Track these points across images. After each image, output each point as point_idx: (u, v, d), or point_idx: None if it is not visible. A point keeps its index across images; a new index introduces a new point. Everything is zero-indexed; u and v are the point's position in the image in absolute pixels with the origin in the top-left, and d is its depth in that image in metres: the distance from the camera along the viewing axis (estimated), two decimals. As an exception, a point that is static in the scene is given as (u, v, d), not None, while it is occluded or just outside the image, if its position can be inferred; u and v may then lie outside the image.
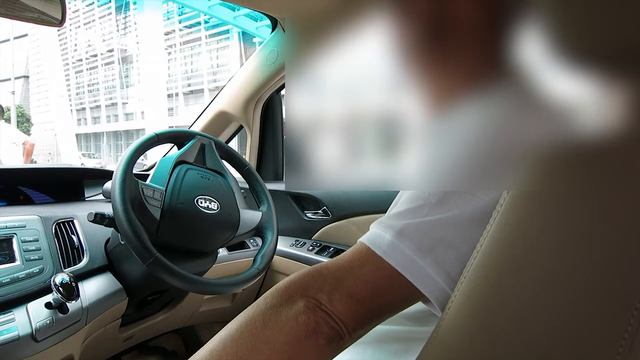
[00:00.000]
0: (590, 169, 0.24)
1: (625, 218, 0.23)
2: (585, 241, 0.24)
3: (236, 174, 0.89)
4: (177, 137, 0.82)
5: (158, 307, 0.97)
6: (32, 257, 0.70)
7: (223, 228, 0.79)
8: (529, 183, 0.27)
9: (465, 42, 0.31)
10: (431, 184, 0.33)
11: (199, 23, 21.65)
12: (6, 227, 0.71)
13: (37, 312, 0.64)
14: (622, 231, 0.23)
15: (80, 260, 0.77)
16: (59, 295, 0.63)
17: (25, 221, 0.75)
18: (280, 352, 0.32)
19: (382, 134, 0.31)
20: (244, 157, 0.95)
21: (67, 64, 26.96)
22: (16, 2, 0.68)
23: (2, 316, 0.62)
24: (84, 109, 26.60)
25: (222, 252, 1.02)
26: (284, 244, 1.14)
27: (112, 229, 0.75)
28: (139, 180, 0.70)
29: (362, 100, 0.32)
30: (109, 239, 0.83)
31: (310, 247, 1.10)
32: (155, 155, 0.94)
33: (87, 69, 26.55)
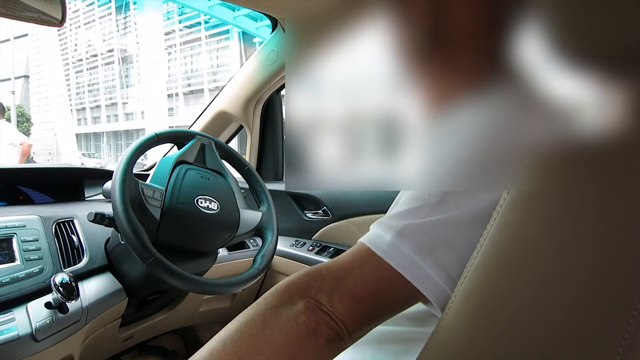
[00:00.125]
0: (590, 169, 0.24)
1: (625, 218, 0.23)
2: (585, 241, 0.24)
3: (236, 174, 0.89)
4: (177, 137, 0.82)
5: (158, 307, 0.97)
6: (32, 257, 0.70)
7: (223, 228, 0.79)
8: (529, 183, 0.27)
9: (464, 43, 0.31)
10: (431, 184, 0.33)
11: (199, 23, 21.66)
12: (6, 227, 0.71)
13: (37, 311, 0.64)
14: (622, 231, 0.23)
15: (80, 260, 0.77)
16: (59, 295, 0.63)
17: (25, 221, 0.75)
18: (280, 352, 0.32)
19: (382, 134, 0.31)
20: (244, 157, 0.95)
21: (67, 63, 26.97)
22: (16, 2, 0.68)
23: (2, 316, 0.62)
24: (84, 108, 26.61)
25: (222, 252, 1.02)
26: (284, 244, 1.14)
27: (112, 229, 0.75)
28: (139, 180, 0.70)
29: (362, 100, 0.32)
30: (109, 239, 0.83)
31: (310, 247, 1.10)
32: (155, 155, 0.94)
33: (87, 69, 26.55)
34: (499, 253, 0.28)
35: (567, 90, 0.25)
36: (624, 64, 0.23)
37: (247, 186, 0.90)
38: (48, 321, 0.63)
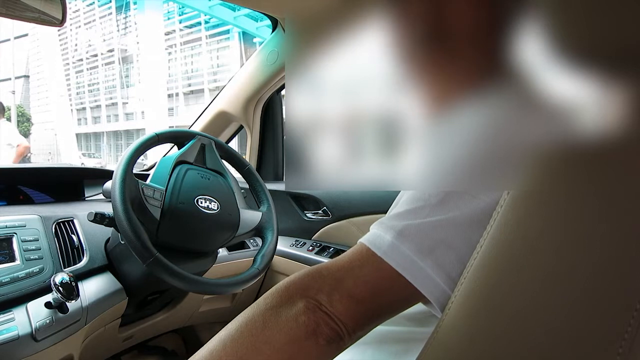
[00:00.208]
0: (590, 169, 0.24)
1: (625, 218, 0.23)
2: (585, 241, 0.24)
3: (236, 174, 0.89)
4: (177, 137, 0.82)
5: (158, 307, 0.97)
6: (32, 257, 0.70)
7: (223, 228, 0.79)
8: (529, 183, 0.27)
9: (463, 43, 0.31)
10: (431, 184, 0.33)
11: (199, 23, 21.66)
12: (6, 227, 0.71)
13: (36, 311, 0.64)
14: (622, 231, 0.23)
15: (80, 260, 0.77)
16: (59, 295, 0.63)
17: (25, 221, 0.75)
18: (280, 352, 0.32)
19: (382, 134, 0.31)
20: (244, 157, 0.95)
21: (68, 63, 26.97)
22: (17, 2, 0.68)
23: (2, 316, 0.62)
24: (84, 108, 26.61)
25: (222, 252, 1.02)
26: (284, 244, 1.14)
27: (112, 228, 0.75)
28: (139, 180, 0.70)
29: (362, 100, 0.32)
30: (109, 238, 0.83)
31: (310, 248, 1.10)
32: (156, 155, 0.94)
33: (87, 69, 26.56)
34: (499, 253, 0.28)
35: (567, 90, 0.25)
36: (624, 64, 0.23)
37: (247, 186, 0.90)
38: (48, 321, 0.63)
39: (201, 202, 0.75)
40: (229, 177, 0.85)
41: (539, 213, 0.27)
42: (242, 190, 0.85)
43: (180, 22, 22.39)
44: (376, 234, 0.36)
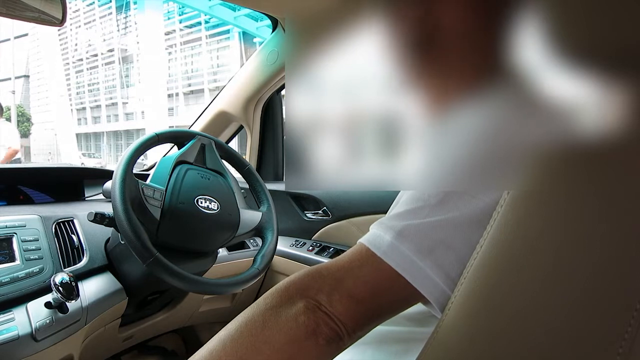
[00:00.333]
0: (590, 169, 0.24)
1: (625, 218, 0.23)
2: (585, 241, 0.24)
3: (236, 174, 0.89)
4: (177, 137, 0.82)
5: (158, 307, 0.97)
6: (32, 257, 0.70)
7: (223, 228, 0.79)
8: (529, 183, 0.27)
9: (457, 45, 0.32)
10: (431, 184, 0.33)
11: (199, 23, 21.67)
12: (6, 227, 0.71)
13: (36, 311, 0.64)
14: (622, 231, 0.23)
15: (80, 260, 0.77)
16: (59, 295, 0.63)
17: (25, 221, 0.75)
18: (280, 352, 0.32)
19: (382, 134, 0.31)
20: (244, 157, 0.95)
21: (68, 63, 26.99)
22: (17, 1, 0.68)
23: (2, 316, 0.62)
24: (84, 108, 26.63)
25: (222, 252, 1.02)
26: (284, 244, 1.14)
27: (112, 228, 0.75)
28: (139, 180, 0.70)
29: (362, 100, 0.32)
30: (109, 238, 0.83)
31: (310, 248, 1.10)
32: (156, 155, 0.94)
33: (87, 69, 26.57)
34: (499, 253, 0.28)
35: (567, 90, 0.25)
36: (624, 64, 0.23)
37: (247, 186, 0.90)
38: (48, 321, 0.63)
39: (201, 202, 0.75)
40: (229, 177, 0.85)
41: (539, 213, 0.27)
42: (242, 190, 0.85)
43: (180, 22, 22.41)
44: (376, 234, 0.36)
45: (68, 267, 0.74)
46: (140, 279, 0.79)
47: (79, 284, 0.68)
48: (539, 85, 0.26)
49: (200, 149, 0.82)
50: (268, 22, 1.12)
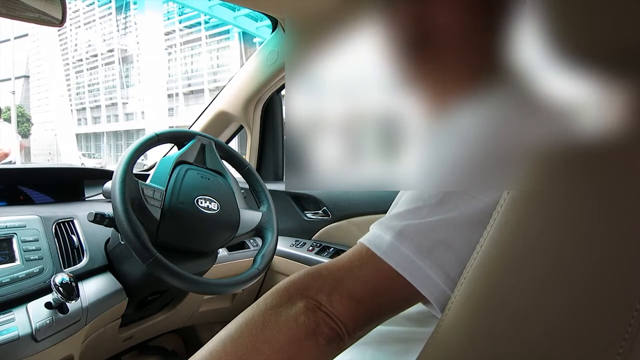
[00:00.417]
0: (590, 169, 0.24)
1: (625, 218, 0.23)
2: (585, 241, 0.24)
3: (236, 174, 0.89)
4: (177, 137, 0.82)
5: (158, 307, 0.97)
6: (32, 257, 0.70)
7: (223, 228, 0.79)
8: (528, 183, 0.27)
9: (453, 45, 0.32)
10: (431, 184, 0.33)
11: (199, 23, 21.68)
12: (6, 227, 0.71)
13: (37, 312, 0.64)
14: (622, 231, 0.23)
15: (80, 260, 0.77)
16: (59, 295, 0.63)
17: (25, 221, 0.75)
18: (280, 352, 0.32)
19: (382, 134, 0.31)
20: (244, 157, 0.95)
21: (68, 63, 26.99)
22: (17, 2, 0.68)
23: (2, 316, 0.62)
24: (84, 108, 26.63)
25: (222, 252, 1.02)
26: (284, 244, 1.14)
27: (112, 229, 0.75)
28: (139, 180, 0.70)
29: (362, 100, 0.32)
30: (109, 239, 0.83)
31: (310, 248, 1.10)
32: (155, 155, 0.94)
33: (87, 69, 26.58)
34: (499, 253, 0.28)
35: (567, 90, 0.25)
36: (624, 64, 0.23)
37: (247, 186, 0.90)
38: (48, 321, 0.63)
39: (201, 202, 0.75)
40: (229, 177, 0.85)
41: (539, 213, 0.27)
42: (242, 190, 0.86)
43: (180, 22, 22.41)
44: (376, 234, 0.36)
45: (68, 267, 0.74)
46: (140, 279, 0.79)
47: (79, 284, 0.68)
48: (539, 85, 0.26)
49: (200, 149, 0.82)
50: (268, 22, 1.12)
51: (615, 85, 0.23)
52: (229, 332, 0.34)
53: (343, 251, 0.38)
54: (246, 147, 1.32)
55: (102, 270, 0.79)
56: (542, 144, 0.26)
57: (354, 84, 0.32)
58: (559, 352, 0.24)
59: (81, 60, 26.61)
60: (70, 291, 0.63)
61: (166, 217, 0.71)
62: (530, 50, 0.26)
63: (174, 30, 22.56)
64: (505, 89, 0.28)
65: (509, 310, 0.27)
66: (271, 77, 1.15)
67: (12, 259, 0.68)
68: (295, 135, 0.33)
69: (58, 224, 0.79)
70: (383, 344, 0.43)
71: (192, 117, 1.31)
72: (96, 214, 0.70)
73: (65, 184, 1.00)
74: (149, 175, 0.75)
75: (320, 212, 1.15)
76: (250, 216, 0.83)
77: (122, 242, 0.75)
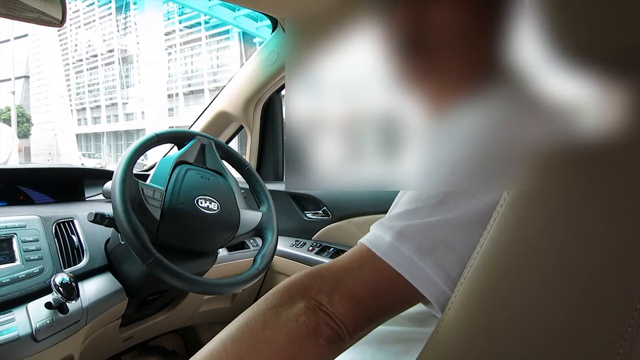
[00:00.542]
0: (590, 169, 0.24)
1: (625, 218, 0.23)
2: (585, 241, 0.24)
3: (236, 174, 0.89)
4: (177, 138, 0.82)
5: (158, 307, 0.97)
6: (32, 257, 0.70)
7: (223, 228, 0.79)
8: (529, 183, 0.27)
9: (452, 46, 0.32)
10: (431, 184, 0.33)
11: (199, 23, 21.68)
12: (6, 227, 0.71)
13: (37, 312, 0.64)
14: (622, 231, 0.23)
15: (80, 260, 0.77)
16: (59, 295, 0.63)
17: (25, 221, 0.75)
18: (281, 352, 0.32)
19: (382, 134, 0.31)
20: (244, 157, 0.95)
21: (68, 64, 26.99)
22: (16, 2, 0.68)
23: (2, 316, 0.62)
24: (84, 109, 26.63)
25: (222, 252, 1.02)
26: (284, 245, 1.14)
27: (112, 229, 0.75)
28: (139, 181, 0.70)
29: (362, 100, 0.32)
30: (109, 239, 0.83)
31: (310, 248, 1.10)
32: (155, 155, 0.94)
33: (87, 69, 26.58)
34: (499, 253, 0.28)
35: (567, 90, 0.25)
36: (624, 64, 0.23)
37: (247, 186, 0.90)
38: (48, 321, 0.63)
39: (201, 203, 0.75)
40: (229, 178, 0.85)
41: (539, 213, 0.27)
42: (242, 191, 0.86)
43: (180, 22, 22.41)
44: (376, 235, 0.36)
45: (68, 267, 0.74)
46: (140, 279, 0.79)
47: (79, 285, 0.68)
48: (539, 85, 0.26)
49: (200, 149, 0.82)
50: (268, 22, 1.12)
51: (615, 86, 0.23)
52: (230, 332, 0.34)
53: (343, 251, 0.38)
54: (246, 147, 1.32)
55: (102, 270, 0.79)
56: (542, 144, 0.26)
57: (354, 84, 0.33)
58: (559, 352, 0.24)
59: (81, 60, 26.61)
60: (70, 291, 0.63)
61: (166, 217, 0.71)
62: (530, 50, 0.26)
63: (174, 31, 22.56)
64: (505, 89, 0.28)
65: (509, 310, 0.27)
66: (271, 77, 1.15)
67: (12, 259, 0.68)
68: (295, 135, 0.33)
69: (58, 224, 0.79)
70: (383, 344, 0.43)
71: (192, 117, 1.32)
72: (96, 214, 0.71)
73: (65, 184, 1.00)
74: (149, 175, 0.75)
75: (320, 212, 1.15)
76: (250, 216, 0.83)
77: (122, 242, 0.76)
